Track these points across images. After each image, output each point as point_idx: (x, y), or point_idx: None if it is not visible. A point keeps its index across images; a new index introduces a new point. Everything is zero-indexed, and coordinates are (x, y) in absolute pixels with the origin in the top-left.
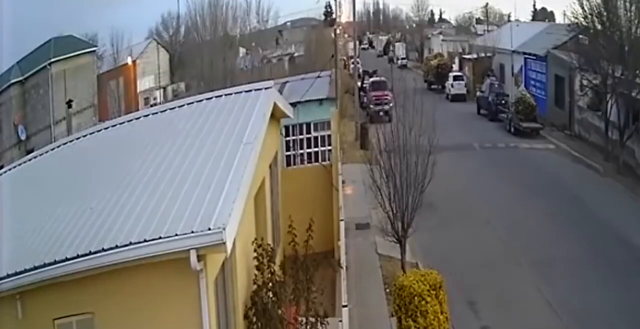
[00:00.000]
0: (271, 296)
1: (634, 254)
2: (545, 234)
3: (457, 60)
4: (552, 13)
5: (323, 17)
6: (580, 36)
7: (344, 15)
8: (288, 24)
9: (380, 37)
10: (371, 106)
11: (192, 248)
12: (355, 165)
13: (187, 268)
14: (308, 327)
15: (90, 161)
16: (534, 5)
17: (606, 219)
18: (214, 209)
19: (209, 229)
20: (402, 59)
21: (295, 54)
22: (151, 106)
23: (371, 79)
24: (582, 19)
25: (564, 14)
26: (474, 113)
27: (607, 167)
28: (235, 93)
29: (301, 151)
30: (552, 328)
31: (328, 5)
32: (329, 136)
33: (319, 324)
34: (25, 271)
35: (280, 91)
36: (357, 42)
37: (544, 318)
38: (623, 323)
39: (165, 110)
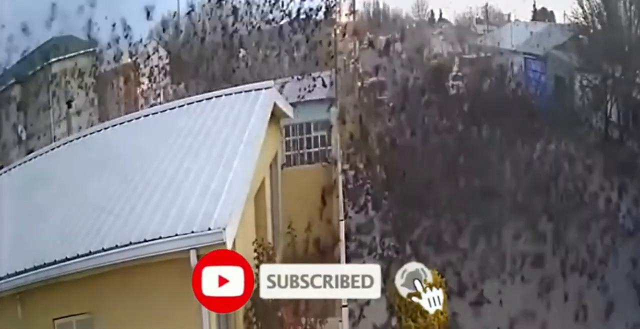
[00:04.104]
0: None
1: None
2: None
3: (457, 60)
4: (552, 13)
5: (322, 17)
6: (580, 36)
7: (344, 15)
8: (288, 23)
9: (380, 37)
10: (371, 106)
11: (192, 248)
12: None
13: (187, 268)
14: (308, 327)
15: (90, 161)
16: (534, 5)
17: None
18: (214, 209)
19: (209, 229)
20: (403, 59)
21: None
22: (151, 106)
23: (371, 79)
24: (582, 19)
25: (564, 14)
26: None
27: None
28: (235, 93)
29: (301, 151)
30: None
31: (328, 5)
32: (329, 135)
33: (318, 324)
34: (25, 271)
35: (280, 91)
36: (357, 42)
37: None
38: None
39: (165, 110)
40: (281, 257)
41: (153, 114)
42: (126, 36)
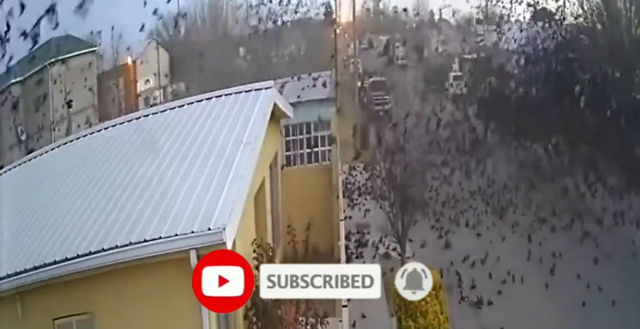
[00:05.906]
0: None
1: None
2: None
3: (457, 60)
4: (552, 13)
5: (323, 17)
6: (581, 36)
7: (344, 15)
8: (288, 23)
9: (380, 37)
10: (371, 106)
11: (192, 248)
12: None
13: (187, 267)
14: (308, 327)
15: (90, 161)
16: (534, 6)
17: None
18: (214, 209)
19: (209, 229)
20: (403, 59)
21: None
22: (151, 106)
23: (371, 79)
24: (582, 19)
25: (564, 14)
26: None
27: None
28: (235, 93)
29: (301, 151)
30: None
31: (327, 5)
32: (329, 135)
33: (318, 324)
34: (25, 271)
35: (280, 91)
36: (357, 42)
37: None
38: None
39: (165, 110)
40: (281, 257)
41: (153, 114)
42: (126, 36)
